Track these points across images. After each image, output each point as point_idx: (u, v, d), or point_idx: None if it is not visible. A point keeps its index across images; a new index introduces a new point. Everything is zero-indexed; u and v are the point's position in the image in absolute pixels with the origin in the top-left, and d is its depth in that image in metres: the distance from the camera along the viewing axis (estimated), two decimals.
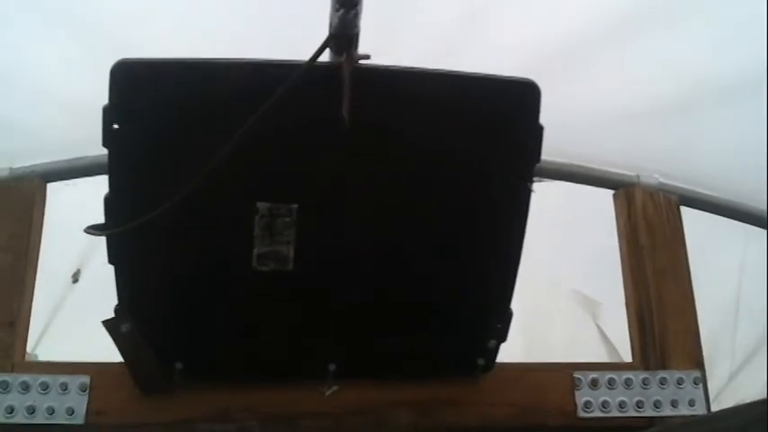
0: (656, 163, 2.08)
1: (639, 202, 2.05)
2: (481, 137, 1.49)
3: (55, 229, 1.87)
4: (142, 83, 1.39)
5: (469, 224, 1.57)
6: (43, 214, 1.86)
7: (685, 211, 2.08)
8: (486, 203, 1.56)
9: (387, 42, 1.56)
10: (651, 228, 2.01)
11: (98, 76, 1.42)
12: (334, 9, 1.29)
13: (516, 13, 1.72)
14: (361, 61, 1.38)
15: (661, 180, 2.08)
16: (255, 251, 1.52)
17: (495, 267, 1.63)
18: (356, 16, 1.31)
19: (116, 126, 1.40)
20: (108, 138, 1.41)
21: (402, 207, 1.54)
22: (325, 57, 1.36)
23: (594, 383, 1.82)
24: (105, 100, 1.39)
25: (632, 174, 2.09)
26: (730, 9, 1.65)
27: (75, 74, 1.76)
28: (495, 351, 1.72)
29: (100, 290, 1.68)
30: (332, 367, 1.68)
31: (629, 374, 1.84)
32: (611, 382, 1.82)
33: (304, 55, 1.34)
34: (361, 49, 1.36)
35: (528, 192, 1.55)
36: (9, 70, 1.75)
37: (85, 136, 1.72)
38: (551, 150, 1.58)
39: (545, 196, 1.72)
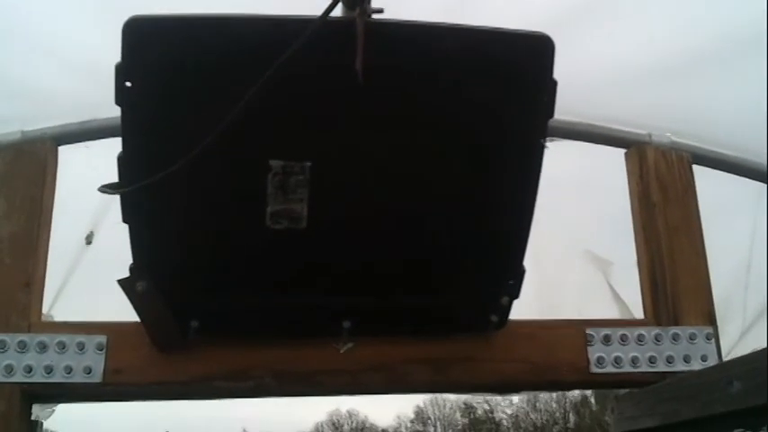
0: (668, 122, 2.07)
1: (652, 160, 2.04)
2: (494, 91, 1.49)
3: (67, 192, 1.88)
4: (154, 39, 1.39)
5: (483, 180, 1.57)
6: (55, 177, 1.86)
7: (698, 170, 2.07)
8: (500, 159, 1.56)
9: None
10: (663, 186, 2.01)
11: (109, 35, 1.42)
12: None
13: None
14: (375, 15, 1.37)
15: (673, 138, 2.07)
16: (269, 209, 1.52)
17: (508, 224, 1.63)
18: None
19: (129, 84, 1.40)
20: (121, 96, 1.41)
21: (415, 163, 1.54)
22: (338, 12, 1.36)
23: (607, 339, 1.83)
24: (116, 59, 1.39)
25: (644, 132, 2.08)
26: None
27: (85, 33, 1.76)
28: (508, 308, 1.73)
29: (114, 251, 1.69)
30: (346, 324, 1.69)
31: (642, 330, 1.85)
32: (623, 338, 1.83)
33: (317, 10, 1.33)
34: (374, 4, 1.36)
35: (541, 147, 1.55)
36: (18, 31, 1.75)
37: (97, 98, 1.72)
38: (563, 109, 1.57)
39: (557, 156, 1.71)
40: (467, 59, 1.46)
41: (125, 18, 1.38)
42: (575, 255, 2.21)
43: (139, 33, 1.38)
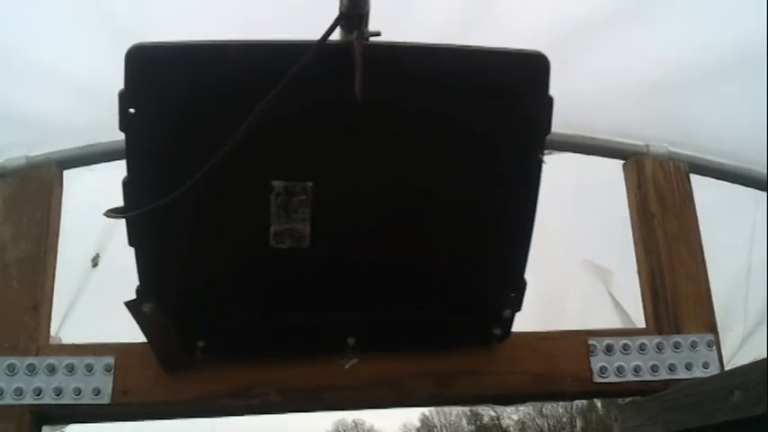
0: (665, 132, 2.09)
1: (649, 170, 2.07)
2: (492, 109, 1.51)
3: (73, 215, 1.90)
4: (157, 66, 1.41)
5: (482, 196, 1.59)
6: (61, 201, 1.89)
7: (695, 179, 2.09)
8: (499, 175, 1.58)
9: (396, 19, 1.58)
10: (661, 196, 2.03)
11: (111, 61, 1.44)
12: None
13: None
14: (372, 38, 1.40)
15: (670, 149, 2.09)
16: (272, 229, 1.54)
17: (509, 238, 1.65)
18: None
19: (132, 110, 1.42)
20: (124, 122, 1.43)
21: (416, 181, 1.56)
22: (336, 36, 1.38)
23: (609, 349, 1.85)
24: (119, 85, 1.41)
25: (642, 143, 2.10)
26: None
27: (87, 59, 1.78)
28: (511, 320, 1.75)
29: (120, 273, 1.71)
30: (351, 341, 1.72)
31: (643, 339, 1.87)
32: (625, 348, 1.85)
33: (315, 34, 1.36)
34: (372, 27, 1.38)
35: (539, 163, 1.57)
36: (21, 57, 1.77)
37: (101, 122, 1.75)
38: (560, 122, 1.59)
39: (555, 168, 1.73)
40: (464, 79, 1.48)
41: (127, 42, 1.40)
42: (575, 265, 2.24)
43: (143, 61, 1.40)
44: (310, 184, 1.52)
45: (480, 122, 1.51)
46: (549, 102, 1.52)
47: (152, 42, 1.41)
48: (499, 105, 1.51)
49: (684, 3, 1.77)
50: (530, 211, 1.61)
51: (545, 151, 1.60)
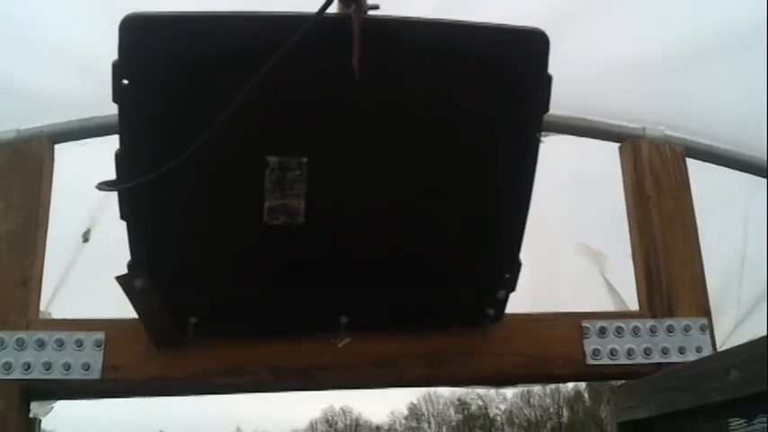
0: (661, 115, 2.08)
1: (645, 153, 2.06)
2: (490, 86, 1.50)
3: (64, 190, 1.88)
4: (151, 37, 1.39)
5: (478, 174, 1.58)
6: (52, 175, 1.87)
7: (691, 164, 2.09)
8: (495, 153, 1.57)
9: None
10: (657, 179, 2.03)
11: (105, 33, 1.42)
12: None
13: None
14: (370, 12, 1.38)
15: (667, 132, 2.09)
16: (266, 205, 1.53)
17: (504, 217, 1.64)
18: None
19: (126, 81, 1.40)
20: (118, 93, 1.41)
21: (411, 158, 1.54)
22: (334, 8, 1.37)
23: (602, 332, 1.84)
24: (112, 57, 1.39)
25: (638, 126, 2.10)
26: None
27: (81, 31, 1.76)
28: (505, 301, 1.74)
29: (111, 248, 1.70)
30: (344, 320, 1.70)
31: (637, 322, 1.87)
32: (618, 331, 1.85)
33: (313, 7, 1.34)
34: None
35: (536, 141, 1.56)
36: (12, 29, 1.74)
37: (94, 95, 1.73)
38: (557, 104, 1.58)
39: (551, 150, 1.73)
40: (463, 55, 1.47)
41: (120, 15, 1.38)
42: (570, 248, 2.23)
43: (136, 31, 1.38)
44: (305, 159, 1.51)
45: (478, 99, 1.50)
46: (547, 80, 1.51)
47: (146, 12, 1.39)
48: (498, 82, 1.50)
49: None
50: (526, 190, 1.60)
51: (542, 131, 1.59)
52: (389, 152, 1.54)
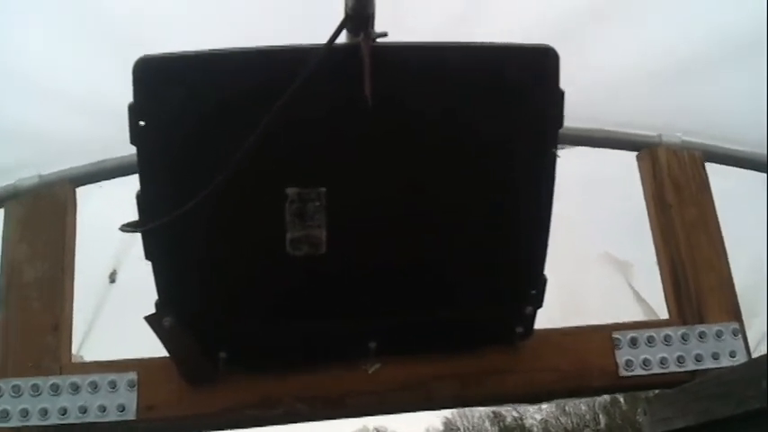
0: (677, 121, 2.07)
1: (664, 161, 2.05)
2: (503, 106, 1.50)
3: (88, 232, 1.90)
4: (164, 78, 1.41)
5: (498, 193, 1.58)
6: (75, 218, 1.89)
7: (711, 167, 2.07)
8: (513, 171, 1.56)
9: (401, 16, 1.57)
10: (677, 185, 2.01)
11: (116, 77, 1.44)
12: None
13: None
14: (379, 39, 1.39)
15: (684, 138, 2.07)
16: (288, 236, 1.53)
17: (527, 234, 1.63)
18: None
19: (142, 123, 1.42)
20: (135, 135, 1.43)
21: (430, 181, 1.55)
22: (343, 38, 1.38)
23: (634, 342, 1.83)
24: (125, 100, 1.41)
25: (654, 134, 2.09)
26: None
27: (92, 75, 1.78)
28: (533, 318, 1.73)
29: (138, 287, 1.71)
30: (372, 345, 1.70)
31: (668, 331, 1.85)
32: (650, 340, 1.83)
33: (322, 38, 1.35)
34: (377, 25, 1.37)
35: (553, 157, 1.56)
36: (26, 76, 1.77)
37: (110, 137, 1.75)
38: (572, 116, 1.58)
39: (569, 162, 1.72)
40: (473, 76, 1.48)
41: (130, 56, 1.40)
42: (594, 259, 2.22)
43: (149, 73, 1.40)
44: (324, 189, 1.51)
45: (492, 119, 1.50)
46: (560, 95, 1.51)
47: (158, 54, 1.41)
48: (510, 101, 1.50)
49: None
50: (546, 205, 1.60)
51: (558, 146, 1.59)
52: (407, 176, 1.54)
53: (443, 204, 1.57)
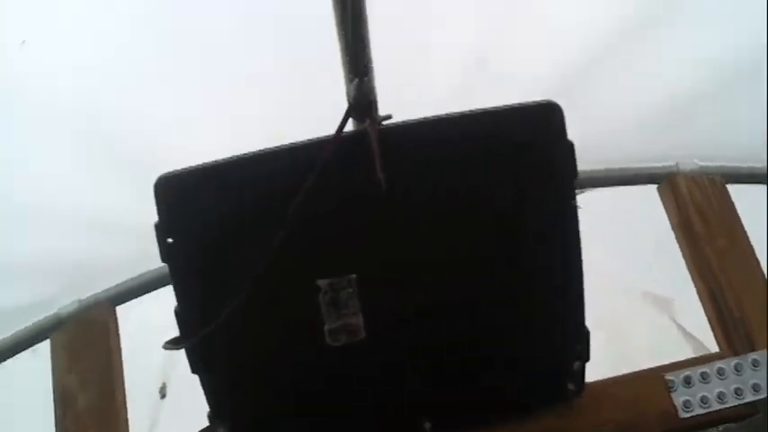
0: (692, 149, 2.07)
1: (685, 189, 2.04)
2: (515, 167, 1.51)
3: (134, 348, 1.93)
4: (186, 193, 1.45)
5: (525, 254, 1.58)
6: (119, 338, 1.92)
7: (734, 189, 2.06)
8: (536, 231, 1.56)
9: (403, 92, 1.61)
10: (702, 213, 2.00)
11: (132, 194, 1.48)
12: (349, 80, 1.34)
13: (523, 42, 1.76)
14: (385, 122, 1.42)
15: (700, 163, 2.07)
16: (326, 328, 1.54)
17: (560, 288, 1.62)
18: (370, 82, 1.35)
19: (170, 240, 1.45)
20: (165, 253, 1.46)
21: (455, 252, 1.55)
22: (349, 126, 1.41)
23: (688, 381, 1.79)
24: (146, 215, 1.45)
25: (671, 164, 2.09)
26: None
27: (112, 197, 1.83)
28: (582, 372, 1.70)
29: (190, 399, 1.71)
30: (427, 425, 1.67)
31: (720, 364, 1.81)
32: (704, 377, 1.79)
33: (329, 128, 1.38)
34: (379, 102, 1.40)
35: (574, 209, 1.56)
36: (49, 206, 1.82)
37: (139, 252, 1.79)
38: (586, 160, 1.59)
39: (590, 205, 1.72)
40: (481, 143, 1.50)
41: (143, 173, 1.45)
42: (634, 300, 2.20)
43: (170, 190, 1.44)
44: (354, 276, 1.53)
45: (506, 182, 1.52)
46: (569, 147, 1.52)
47: (176, 171, 1.45)
48: (522, 162, 1.51)
49: (685, 20, 1.77)
50: (575, 258, 1.59)
51: (577, 191, 1.59)
52: (431, 251, 1.55)
53: (472, 273, 1.57)
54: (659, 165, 2.10)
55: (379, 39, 1.26)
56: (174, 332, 1.52)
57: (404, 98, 1.57)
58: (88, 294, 1.97)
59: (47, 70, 1.39)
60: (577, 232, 1.58)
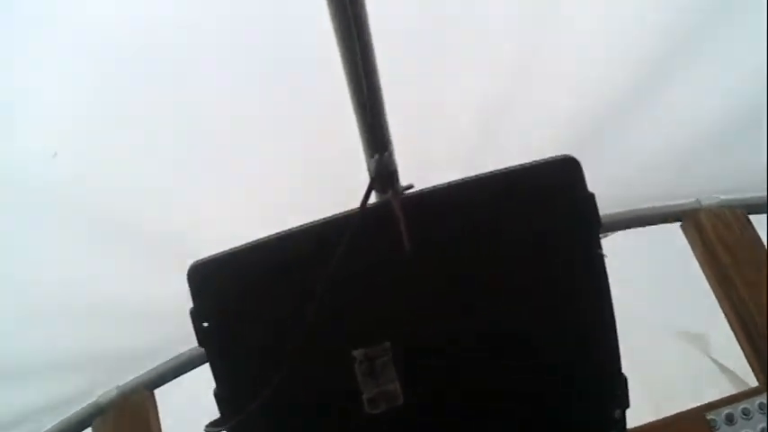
0: (712, 185, 2.08)
1: (708, 224, 2.05)
2: (539, 223, 1.53)
3: (176, 428, 1.94)
4: (218, 278, 1.48)
5: (556, 308, 1.58)
6: (159, 422, 1.94)
7: (756, 219, 2.07)
8: (565, 282, 1.57)
9: (419, 153, 1.63)
10: (728, 246, 2.01)
11: (164, 278, 1.51)
12: (369, 156, 1.38)
13: (539, 88, 1.78)
14: (407, 191, 1.45)
15: (722, 197, 2.08)
16: (364, 396, 1.55)
17: (594, 338, 1.62)
18: (390, 156, 1.38)
19: (206, 324, 1.47)
20: (202, 337, 1.48)
21: (487, 311, 1.56)
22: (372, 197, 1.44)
23: (730, 419, 1.78)
24: (176, 299, 1.47)
25: (693, 200, 2.10)
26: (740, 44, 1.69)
27: (142, 284, 1.86)
28: (623, 419, 1.69)
29: None
30: None
31: (760, 399, 1.81)
32: (745, 413, 1.78)
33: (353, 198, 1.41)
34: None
35: (600, 258, 1.57)
36: (84, 297, 1.85)
37: (173, 335, 1.81)
38: (609, 204, 1.60)
39: (615, 247, 1.73)
40: (504, 203, 1.52)
41: (171, 259, 1.49)
42: (667, 340, 2.19)
43: (203, 276, 1.47)
44: (388, 343, 1.54)
45: (531, 238, 1.53)
46: (590, 198, 1.53)
47: (207, 258, 1.48)
48: (544, 217, 1.53)
49: (701, 61, 1.78)
50: (606, 306, 1.59)
51: (602, 235, 1.60)
52: (464, 310, 1.56)
53: (505, 330, 1.58)
54: (681, 202, 2.11)
55: (394, 98, 1.29)
56: (215, 411, 1.54)
57: (421, 156, 1.59)
58: (127, 379, 1.98)
59: (78, 173, 1.43)
60: (606, 281, 1.58)
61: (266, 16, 1.39)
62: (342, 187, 1.54)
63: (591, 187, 1.52)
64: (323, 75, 1.35)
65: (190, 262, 1.47)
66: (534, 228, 1.53)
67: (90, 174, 1.47)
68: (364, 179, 1.41)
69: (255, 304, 1.49)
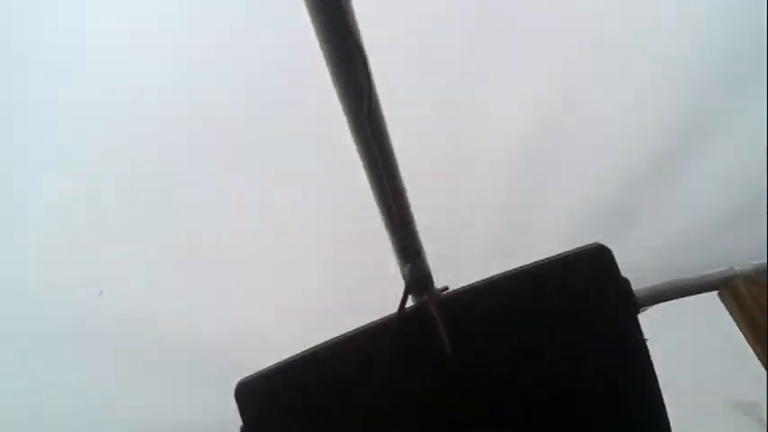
0: (744, 249, 2.08)
1: (745, 291, 2.03)
2: (577, 314, 1.54)
3: None
4: (264, 395, 1.50)
5: (601, 400, 1.57)
6: None
7: None
8: (609, 375, 1.57)
9: (450, 251, 1.66)
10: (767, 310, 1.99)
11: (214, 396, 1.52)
12: (402, 264, 1.40)
13: (566, 173, 1.82)
14: (443, 293, 1.47)
15: (754, 262, 2.07)
16: None
17: (644, 422, 1.61)
18: (423, 261, 1.41)
19: None
20: None
21: (529, 407, 1.56)
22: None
23: None
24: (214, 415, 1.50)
25: (726, 267, 2.09)
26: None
27: (188, 403, 1.88)
28: None
29: None
30: None
31: None
32: None
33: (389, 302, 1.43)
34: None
35: (643, 342, 1.57)
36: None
37: None
38: (643, 279, 1.60)
39: (654, 321, 1.72)
40: (539, 297, 1.53)
41: (222, 375, 1.50)
42: (719, 412, 2.16)
43: (250, 394, 1.49)
44: None
45: (570, 332, 1.54)
46: (625, 284, 1.54)
47: (252, 375, 1.51)
48: (582, 307, 1.54)
49: (722, 134, 1.80)
50: (653, 390, 1.58)
51: (642, 309, 1.60)
52: (505, 406, 1.56)
53: (555, 422, 1.58)
54: (716, 270, 2.10)
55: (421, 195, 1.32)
56: None
57: (447, 250, 1.61)
58: None
59: (126, 309, 1.47)
60: (650, 363, 1.58)
61: None
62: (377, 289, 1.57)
63: (623, 269, 1.54)
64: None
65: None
66: (572, 320, 1.54)
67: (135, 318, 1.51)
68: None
69: (303, 417, 1.50)
